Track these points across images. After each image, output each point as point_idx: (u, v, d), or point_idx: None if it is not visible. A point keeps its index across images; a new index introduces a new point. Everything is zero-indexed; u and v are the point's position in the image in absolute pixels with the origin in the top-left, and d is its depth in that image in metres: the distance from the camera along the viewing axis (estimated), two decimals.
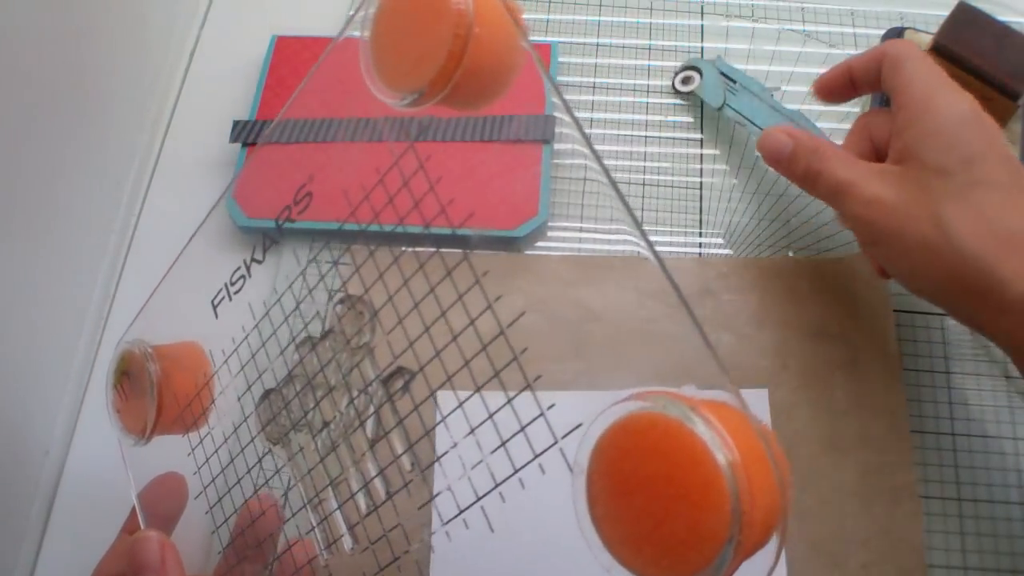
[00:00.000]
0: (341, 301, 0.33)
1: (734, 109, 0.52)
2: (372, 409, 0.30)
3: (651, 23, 0.56)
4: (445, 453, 0.26)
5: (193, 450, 0.35)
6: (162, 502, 0.35)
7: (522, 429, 0.24)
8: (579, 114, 0.53)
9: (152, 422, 0.34)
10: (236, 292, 0.35)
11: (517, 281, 0.47)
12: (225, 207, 0.49)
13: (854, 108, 0.53)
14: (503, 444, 0.24)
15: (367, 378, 0.30)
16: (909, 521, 0.41)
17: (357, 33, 0.27)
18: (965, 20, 0.48)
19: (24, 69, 0.42)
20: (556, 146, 0.52)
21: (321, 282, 0.33)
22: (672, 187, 0.51)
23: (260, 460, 0.33)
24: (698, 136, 0.52)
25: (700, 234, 0.49)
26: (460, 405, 0.26)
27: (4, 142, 0.41)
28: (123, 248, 0.51)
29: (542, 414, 0.23)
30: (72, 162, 0.47)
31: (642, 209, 0.50)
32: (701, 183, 0.51)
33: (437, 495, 0.27)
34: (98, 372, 0.47)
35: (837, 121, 0.52)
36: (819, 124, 0.53)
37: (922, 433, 0.43)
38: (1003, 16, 0.49)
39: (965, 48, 0.47)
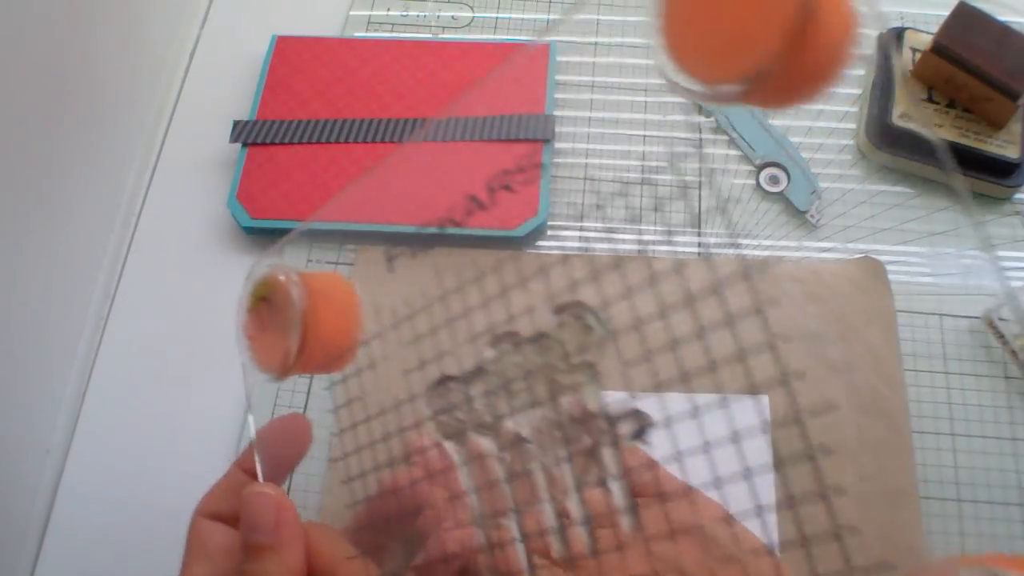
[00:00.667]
0: (566, 307, 0.28)
1: (726, 118, 0.52)
2: (587, 443, 0.26)
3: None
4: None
5: (338, 409, 0.31)
6: (282, 446, 0.31)
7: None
8: (578, 113, 0.53)
9: (294, 359, 0.29)
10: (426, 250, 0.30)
11: (525, 281, 0.47)
12: (227, 208, 0.49)
13: (852, 108, 0.53)
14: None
15: (587, 407, 0.26)
16: (909, 523, 0.40)
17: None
18: (965, 20, 0.48)
19: (24, 69, 0.42)
20: (556, 145, 0.52)
21: (541, 277, 0.27)
22: (671, 186, 0.51)
23: (424, 451, 0.29)
24: (697, 136, 0.52)
25: (699, 233, 0.49)
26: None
27: (4, 143, 0.41)
28: (123, 248, 0.51)
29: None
30: (72, 162, 0.47)
31: (640, 208, 0.50)
32: (700, 182, 0.51)
33: None
34: (98, 372, 0.47)
35: (824, 136, 0.53)
36: (806, 141, 0.53)
37: (922, 433, 0.43)
38: (1003, 16, 0.49)
39: (965, 48, 0.47)
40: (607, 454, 0.25)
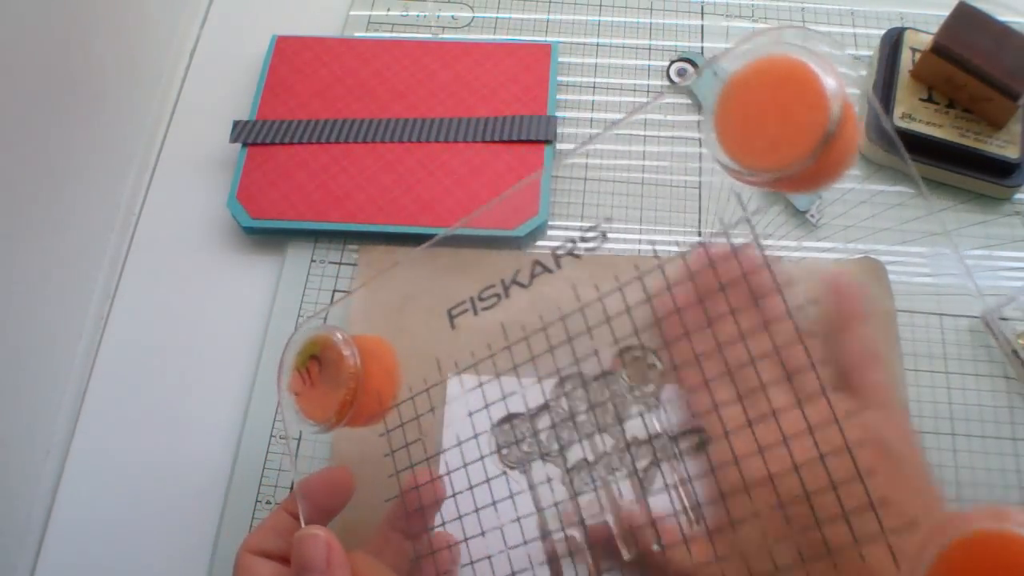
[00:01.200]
0: (628, 349, 0.32)
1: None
2: (651, 460, 0.30)
3: (651, 23, 0.56)
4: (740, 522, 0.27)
5: (394, 452, 0.35)
6: (326, 496, 0.34)
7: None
8: (579, 114, 0.53)
9: (345, 411, 0.33)
10: (486, 308, 0.34)
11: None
12: (227, 208, 0.49)
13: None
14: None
15: (651, 429, 0.30)
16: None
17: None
18: (965, 20, 0.48)
19: (24, 69, 0.42)
20: (558, 146, 0.52)
21: (607, 324, 0.32)
22: (671, 186, 0.51)
23: (488, 480, 0.32)
24: (697, 135, 0.52)
25: (699, 234, 0.49)
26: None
27: (3, 143, 0.41)
28: (123, 248, 0.51)
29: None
30: (72, 162, 0.47)
31: (641, 208, 0.50)
32: (700, 182, 0.51)
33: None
34: (98, 372, 0.47)
35: None
36: None
37: (922, 433, 0.43)
38: (1003, 16, 0.49)
39: (965, 48, 0.47)
40: (667, 468, 0.30)
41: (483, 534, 0.33)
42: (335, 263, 0.49)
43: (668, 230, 0.49)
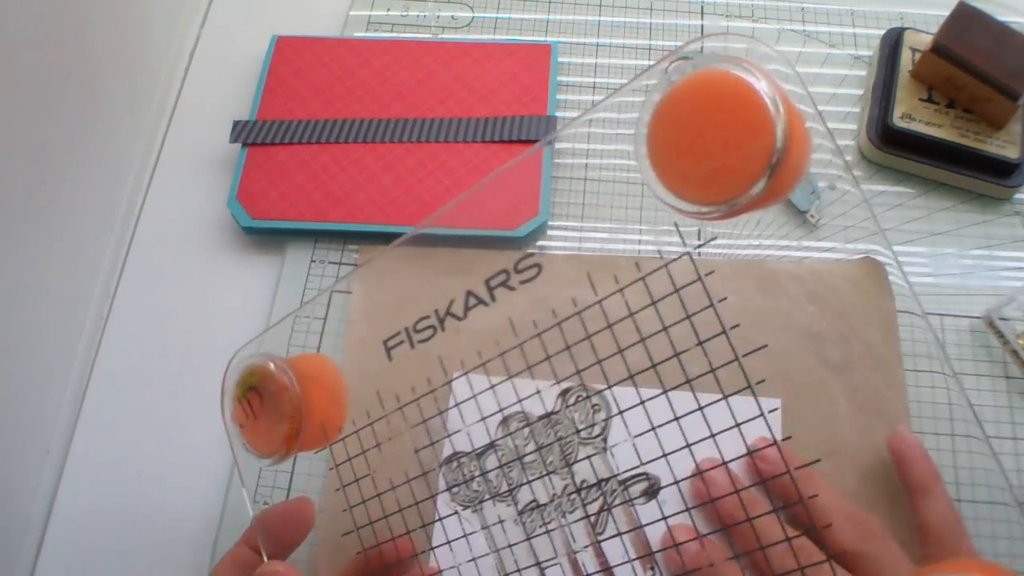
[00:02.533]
0: (570, 390, 0.31)
1: None
2: (602, 505, 0.29)
3: (651, 23, 0.56)
4: (695, 572, 0.27)
5: (344, 486, 0.33)
6: (286, 528, 0.34)
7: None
8: (579, 114, 0.53)
9: (291, 444, 0.32)
10: (422, 341, 0.32)
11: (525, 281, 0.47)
12: (227, 208, 0.49)
13: (853, 108, 0.53)
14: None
15: (599, 472, 0.29)
16: (910, 523, 0.40)
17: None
18: (965, 20, 0.48)
19: (23, 69, 0.42)
20: (557, 146, 0.52)
21: (548, 363, 0.30)
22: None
23: (441, 519, 0.32)
24: None
25: (698, 235, 0.49)
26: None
27: (3, 143, 0.41)
28: (123, 248, 0.51)
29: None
30: (72, 162, 0.47)
31: (641, 208, 0.50)
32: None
33: None
34: (98, 372, 0.47)
35: (823, 138, 0.53)
36: (815, 126, 0.53)
37: (922, 433, 0.43)
38: (1003, 16, 0.49)
39: (965, 48, 0.47)
40: (619, 512, 0.29)
41: (440, 573, 0.32)
42: (335, 263, 0.49)
43: (668, 230, 0.49)
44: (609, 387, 0.28)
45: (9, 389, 0.43)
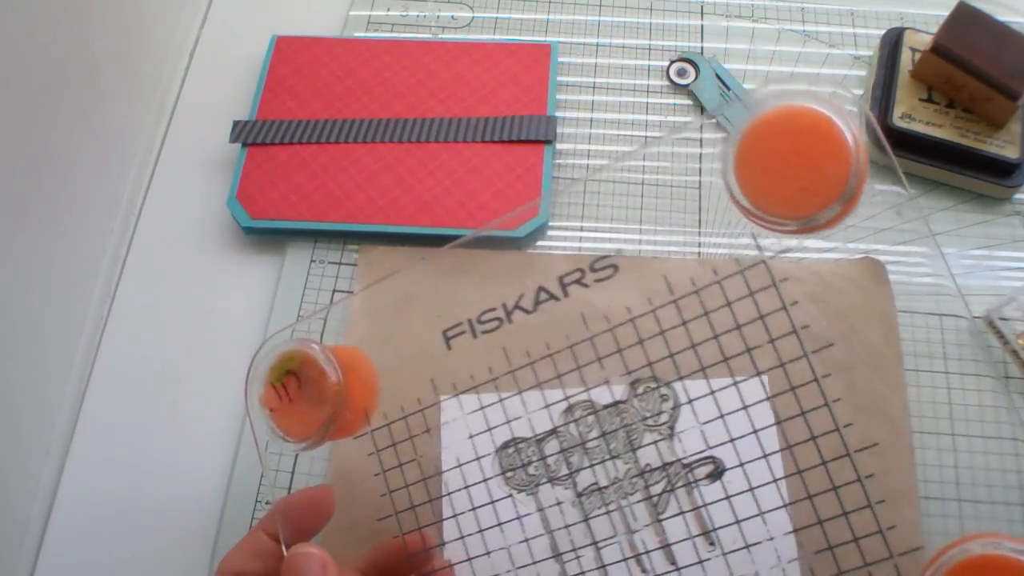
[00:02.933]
0: (640, 380, 0.33)
1: (726, 117, 0.52)
2: (666, 487, 0.31)
3: (651, 23, 0.56)
4: (758, 543, 0.29)
5: (385, 472, 0.34)
6: (306, 514, 0.33)
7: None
8: (579, 114, 0.53)
9: (328, 432, 0.33)
10: (486, 332, 0.33)
11: (525, 281, 0.47)
12: (227, 208, 0.49)
13: (853, 109, 0.53)
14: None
15: (664, 456, 0.31)
16: (909, 523, 0.40)
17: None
18: (965, 20, 0.48)
19: (23, 69, 0.42)
20: (558, 146, 0.52)
21: (619, 355, 0.32)
22: (671, 187, 0.51)
23: (493, 502, 0.32)
24: (697, 136, 0.52)
25: (699, 233, 0.49)
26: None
27: (3, 143, 0.41)
28: (123, 248, 0.51)
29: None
30: (72, 162, 0.47)
31: (641, 208, 0.50)
32: (700, 182, 0.51)
33: None
34: (98, 372, 0.47)
35: None
36: None
37: (922, 433, 0.43)
38: (1003, 16, 0.49)
39: (965, 48, 0.47)
40: (682, 494, 0.31)
41: (488, 554, 0.32)
42: (335, 263, 0.49)
43: (668, 230, 0.49)
44: (680, 378, 0.30)
45: (9, 389, 0.43)
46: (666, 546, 0.32)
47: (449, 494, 0.33)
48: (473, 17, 0.57)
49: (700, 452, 0.32)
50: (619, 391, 0.33)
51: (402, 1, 0.58)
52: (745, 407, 0.29)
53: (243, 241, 0.50)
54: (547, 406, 0.32)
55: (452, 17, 0.57)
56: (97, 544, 0.43)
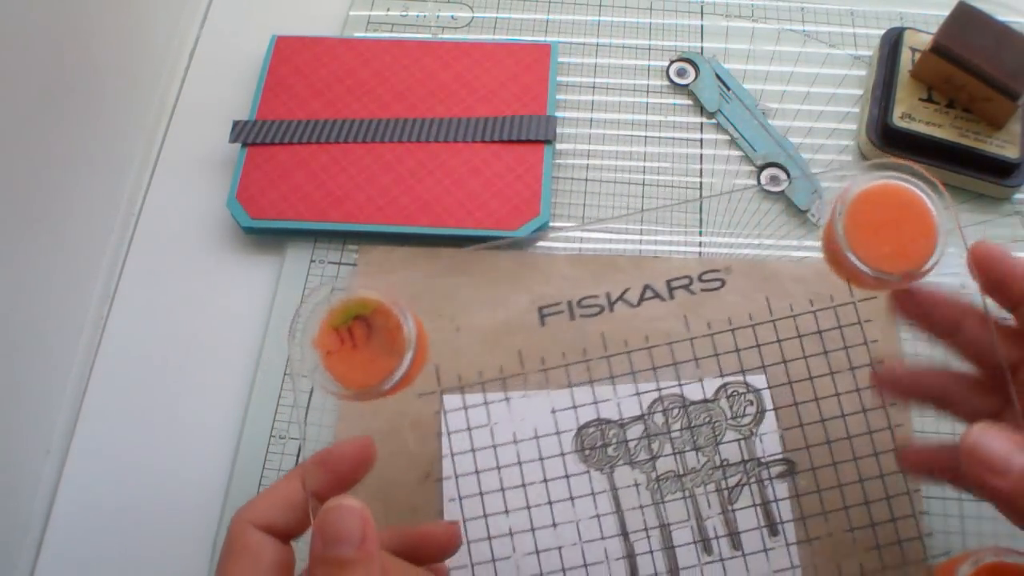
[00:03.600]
0: (730, 384, 0.36)
1: (726, 117, 0.52)
2: (741, 480, 0.35)
3: (651, 23, 0.56)
4: (817, 539, 0.34)
5: (450, 434, 0.36)
6: (348, 464, 0.31)
7: None
8: (579, 114, 0.53)
9: (395, 383, 0.33)
10: (584, 316, 0.36)
11: (524, 281, 0.47)
12: (227, 208, 0.49)
13: (853, 108, 0.53)
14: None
15: (744, 454, 0.35)
16: (909, 523, 0.40)
17: None
18: (965, 20, 0.48)
19: (23, 69, 0.42)
20: (558, 146, 0.52)
21: (716, 358, 0.37)
22: (672, 187, 0.51)
23: (568, 476, 0.35)
24: (698, 136, 0.52)
25: (700, 233, 0.49)
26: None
27: (3, 144, 0.41)
28: (123, 248, 0.51)
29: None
30: (72, 162, 0.47)
31: (642, 209, 0.50)
32: (701, 183, 0.51)
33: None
34: (98, 371, 0.47)
35: (825, 137, 0.53)
36: (807, 141, 0.53)
37: (923, 433, 0.43)
38: (1003, 16, 0.49)
39: (965, 48, 0.47)
40: (754, 489, 0.35)
41: (555, 526, 0.34)
42: (335, 263, 0.49)
43: (668, 230, 0.49)
44: (768, 387, 0.35)
45: (9, 388, 0.43)
46: (735, 534, 0.34)
47: (520, 463, 0.35)
48: (473, 17, 0.57)
49: (777, 454, 0.35)
50: (710, 390, 0.36)
51: (402, 1, 0.58)
52: (822, 420, 0.36)
53: (243, 241, 0.50)
54: (638, 394, 0.35)
55: (452, 17, 0.57)
56: (97, 543, 0.43)
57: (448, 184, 0.49)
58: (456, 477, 0.35)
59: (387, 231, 0.48)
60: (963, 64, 0.47)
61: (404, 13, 0.57)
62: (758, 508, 0.35)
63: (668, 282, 0.37)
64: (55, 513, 0.44)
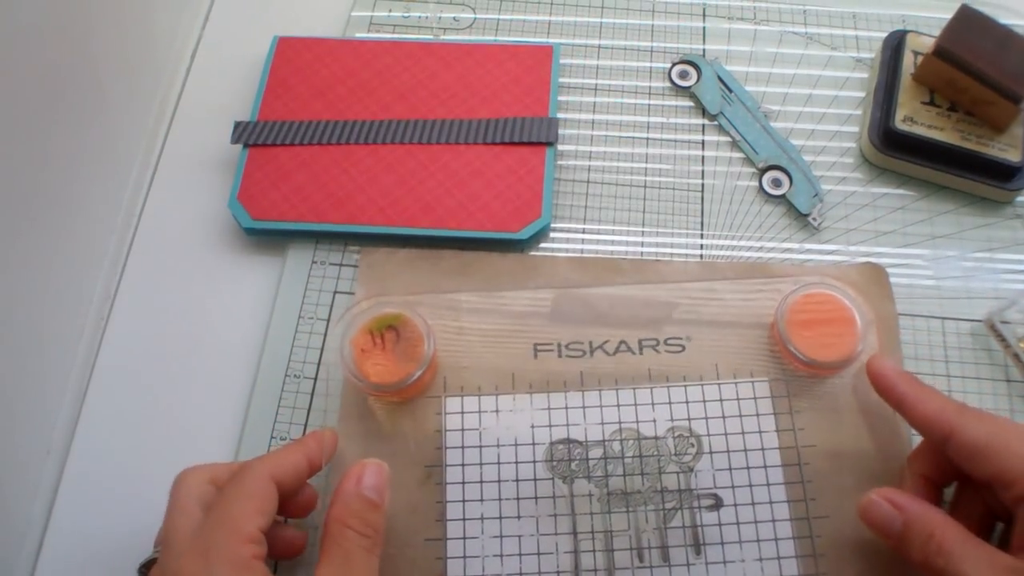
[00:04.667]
0: (677, 427, 0.43)
1: (728, 119, 0.52)
2: (675, 505, 0.41)
3: (652, 25, 0.56)
4: (731, 562, 0.40)
5: (447, 431, 0.43)
6: (330, 451, 0.41)
7: None
8: (581, 116, 0.53)
9: (412, 383, 0.42)
10: (569, 356, 0.45)
11: (527, 283, 0.47)
12: (228, 209, 0.49)
13: (855, 111, 0.53)
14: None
15: (681, 485, 0.42)
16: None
17: None
18: (967, 23, 0.48)
19: (24, 69, 0.42)
20: (559, 148, 0.52)
21: (668, 405, 0.44)
22: (674, 189, 0.51)
23: (536, 480, 0.42)
24: (700, 138, 0.52)
25: (701, 235, 0.49)
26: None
27: (4, 144, 0.41)
28: (124, 249, 0.51)
29: None
30: (73, 163, 0.47)
31: (643, 211, 0.50)
32: (703, 185, 0.51)
33: None
34: (99, 372, 0.47)
35: (827, 139, 0.53)
36: (808, 144, 0.53)
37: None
38: (1005, 19, 0.49)
39: (967, 51, 0.47)
40: (686, 514, 0.41)
41: (519, 518, 0.41)
42: (336, 264, 0.49)
43: (670, 232, 0.49)
44: (708, 435, 0.43)
45: (9, 389, 0.43)
46: (664, 547, 0.41)
47: (499, 463, 0.42)
48: (475, 18, 0.57)
49: (708, 488, 0.42)
50: (661, 429, 0.43)
51: (404, 2, 0.58)
52: (748, 467, 0.42)
53: (244, 242, 0.50)
54: (602, 423, 0.43)
55: (454, 18, 0.57)
56: (97, 544, 0.43)
57: (450, 186, 0.49)
58: (459, 467, 0.43)
59: (389, 232, 0.48)
60: (965, 67, 0.47)
61: (406, 14, 0.57)
62: (687, 530, 0.41)
63: (640, 340, 0.45)
64: (55, 513, 0.44)
